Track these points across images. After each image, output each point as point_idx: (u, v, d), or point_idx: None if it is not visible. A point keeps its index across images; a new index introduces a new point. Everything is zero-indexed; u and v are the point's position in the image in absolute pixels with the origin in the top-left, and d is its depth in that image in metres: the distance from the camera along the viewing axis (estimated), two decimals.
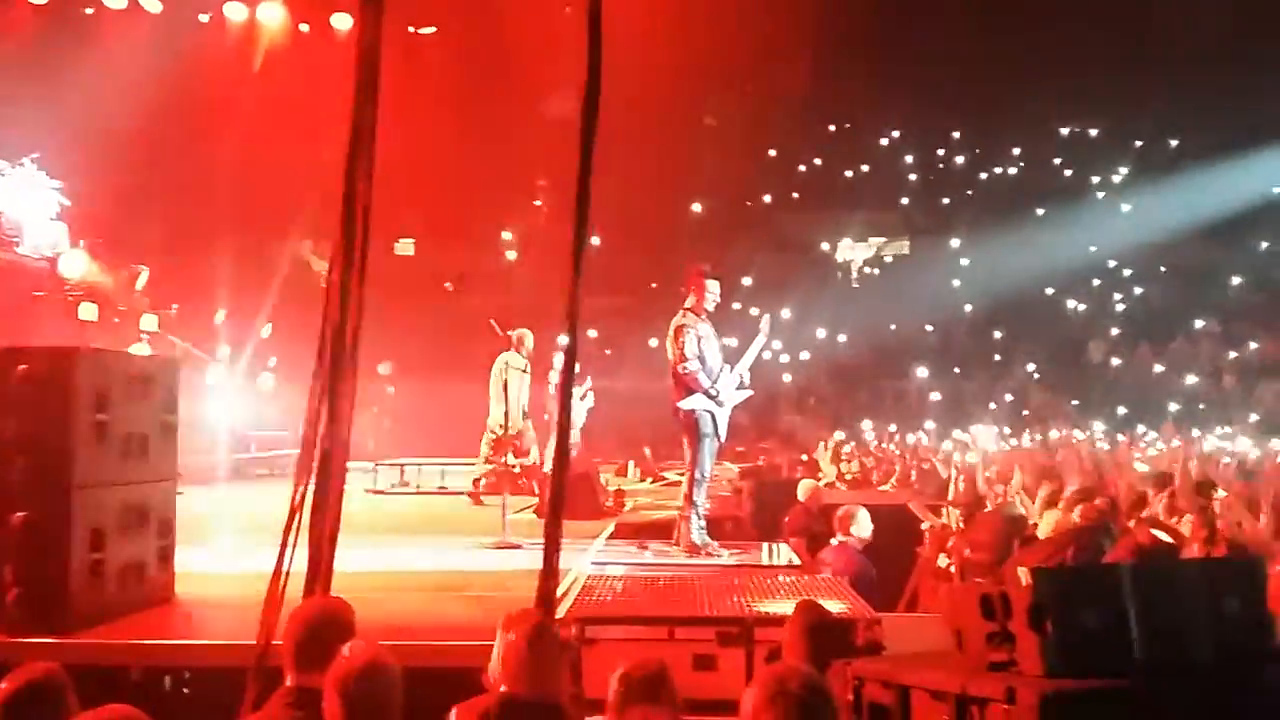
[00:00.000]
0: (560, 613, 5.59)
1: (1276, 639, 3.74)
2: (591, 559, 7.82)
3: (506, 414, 10.77)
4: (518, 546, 8.11)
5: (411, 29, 18.28)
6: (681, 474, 8.84)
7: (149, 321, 14.29)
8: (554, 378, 14.91)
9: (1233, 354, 24.26)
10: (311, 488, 4.87)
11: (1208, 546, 7.10)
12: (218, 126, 17.74)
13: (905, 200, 29.86)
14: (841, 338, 25.41)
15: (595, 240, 23.08)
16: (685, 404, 7.90)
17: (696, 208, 27.82)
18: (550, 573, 5.04)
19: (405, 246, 26.14)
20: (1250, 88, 24.99)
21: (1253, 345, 24.33)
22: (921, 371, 24.38)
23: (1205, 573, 3.80)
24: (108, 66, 15.32)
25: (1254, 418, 20.30)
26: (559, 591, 5.96)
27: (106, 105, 14.82)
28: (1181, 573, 3.86)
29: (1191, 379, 23.31)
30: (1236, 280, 26.52)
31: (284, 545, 4.73)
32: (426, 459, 14.31)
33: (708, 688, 5.07)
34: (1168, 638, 3.47)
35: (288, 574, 4.72)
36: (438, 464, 14.03)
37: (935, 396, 23.21)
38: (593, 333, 18.75)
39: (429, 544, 8.88)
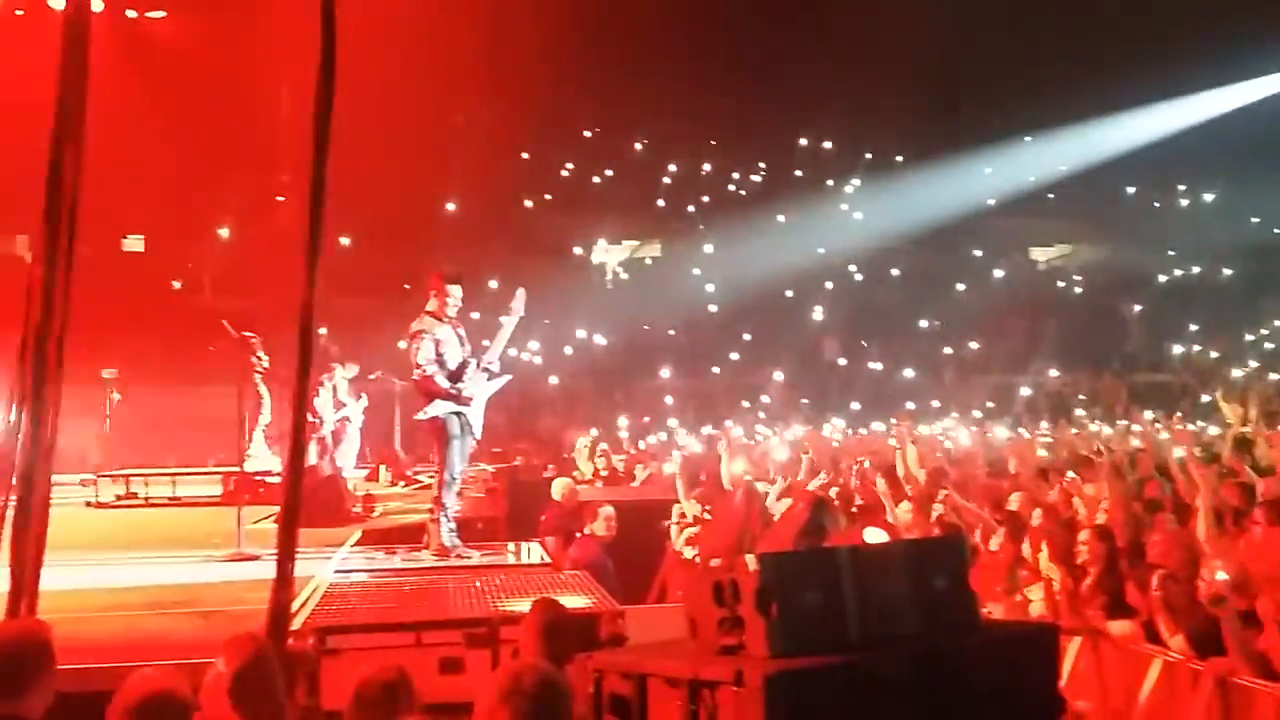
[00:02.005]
0: (297, 624, 5.39)
1: (977, 612, 4.06)
2: (335, 567, 7.57)
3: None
4: (255, 558, 7.74)
5: (133, 13, 17.11)
6: (434, 476, 8.70)
7: None
8: (334, 381, 14.50)
9: (951, 351, 26.33)
10: (13, 502, 4.47)
11: (927, 529, 7.66)
12: None
13: (657, 204, 30.59)
14: (598, 338, 25.74)
15: (345, 240, 22.46)
16: (424, 414, 7.79)
17: (450, 208, 27.50)
18: (285, 583, 4.85)
19: (134, 243, 24.51)
20: (967, 104, 27.33)
21: (971, 345, 26.49)
22: (673, 371, 25.05)
23: (914, 552, 4.05)
24: None
25: (960, 411, 22.06)
26: (298, 602, 5.76)
27: None
28: (893, 554, 4.12)
29: (915, 375, 25.07)
30: (953, 284, 28.81)
31: None
32: (156, 469, 13.41)
33: (456, 690, 5.04)
34: (881, 615, 3.68)
35: None
36: (169, 474, 13.18)
37: (687, 394, 23.91)
38: (323, 330, 18.08)
39: (157, 559, 8.36)
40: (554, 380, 24.17)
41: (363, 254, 22.79)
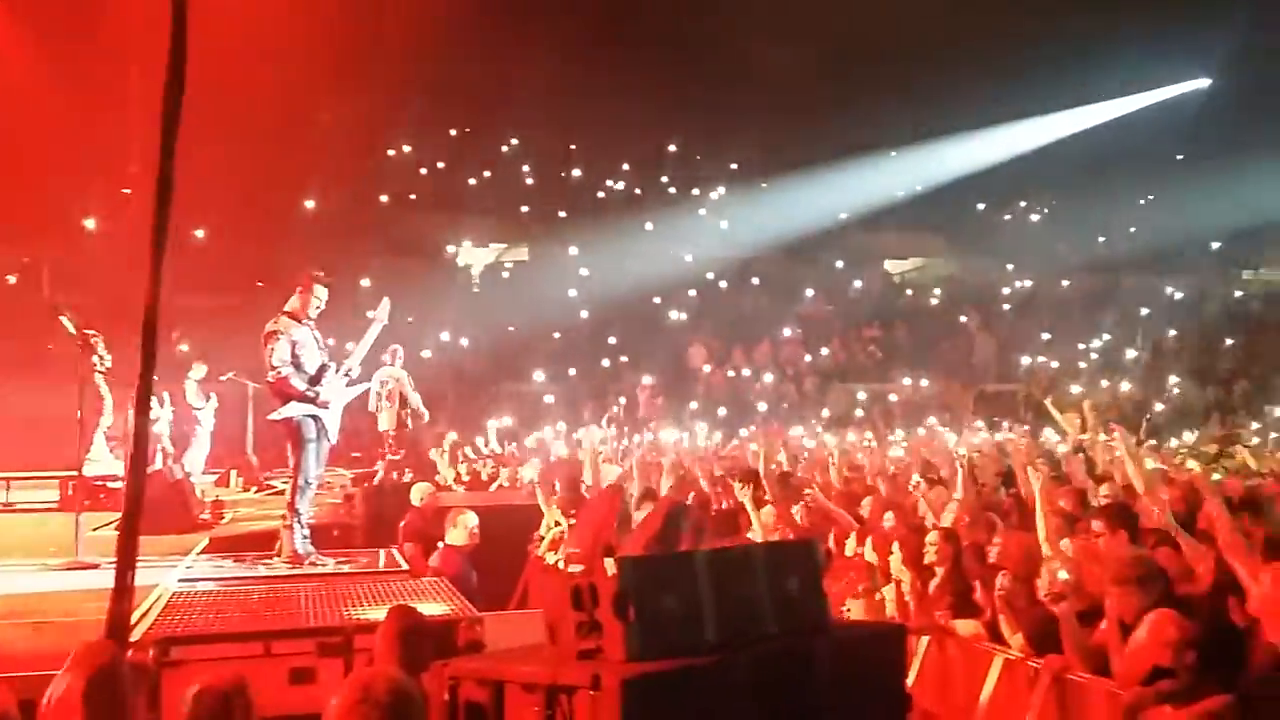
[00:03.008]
0: (137, 635, 5.18)
1: (828, 613, 4.17)
2: (179, 575, 7.28)
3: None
4: (94, 566, 7.38)
5: None
6: (288, 482, 8.46)
7: None
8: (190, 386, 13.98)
9: (810, 359, 26.93)
10: None
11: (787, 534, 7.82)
12: None
13: (524, 208, 30.43)
14: (463, 341, 25.39)
15: (199, 234, 21.61)
16: (278, 414, 7.58)
17: (310, 204, 26.71)
18: (124, 592, 4.64)
19: None
20: (827, 120, 28.14)
21: (823, 351, 27.15)
22: (540, 375, 24.93)
23: (769, 555, 4.13)
24: None
25: (825, 414, 22.66)
26: (138, 612, 5.53)
27: None
28: (749, 557, 4.18)
29: (775, 382, 25.55)
30: (812, 292, 29.52)
31: None
32: None
33: (307, 701, 4.93)
34: (737, 616, 3.74)
35: None
36: (2, 478, 12.43)
37: (553, 399, 23.78)
38: (184, 346, 17.36)
39: None
40: (416, 383, 23.67)
41: (216, 250, 21.97)
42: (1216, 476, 10.35)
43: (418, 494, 10.17)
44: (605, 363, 25.66)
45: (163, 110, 4.64)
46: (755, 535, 7.70)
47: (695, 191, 31.96)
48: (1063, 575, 5.51)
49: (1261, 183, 27.36)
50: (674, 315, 27.85)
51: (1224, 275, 31.67)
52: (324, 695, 4.79)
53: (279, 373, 7.50)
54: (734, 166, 32.03)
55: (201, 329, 17.25)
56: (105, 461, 11.94)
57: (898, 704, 3.96)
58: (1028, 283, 30.47)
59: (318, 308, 7.80)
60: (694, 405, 23.26)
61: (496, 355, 24.96)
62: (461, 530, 8.11)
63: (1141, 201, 32.37)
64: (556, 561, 8.38)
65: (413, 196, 29.37)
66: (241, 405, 14.93)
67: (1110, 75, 28.78)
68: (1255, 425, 19.84)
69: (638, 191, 32.00)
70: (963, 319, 29.01)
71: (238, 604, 6.34)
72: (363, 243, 25.38)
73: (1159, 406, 22.29)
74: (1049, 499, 6.84)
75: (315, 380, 7.61)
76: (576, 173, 31.97)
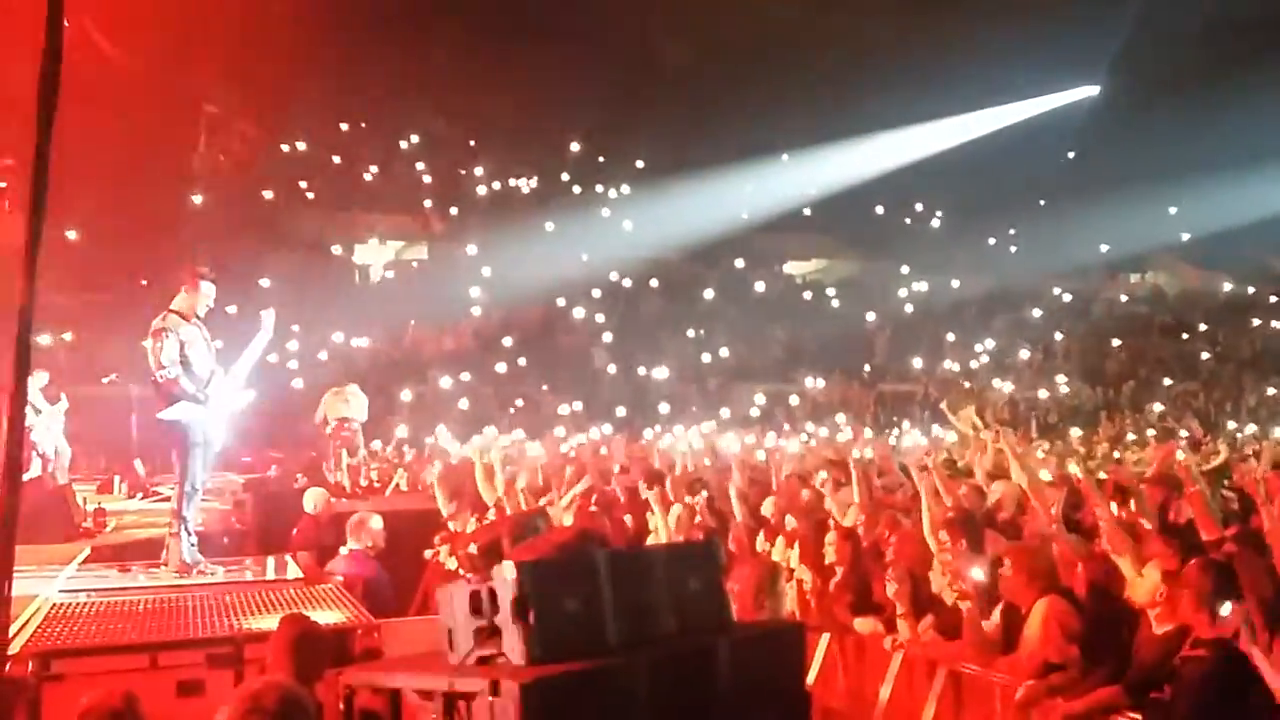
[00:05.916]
0: (15, 648, 4.95)
1: (729, 612, 4.17)
2: (60, 586, 6.96)
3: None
4: None
5: None
6: (174, 488, 8.16)
7: None
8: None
9: (711, 359, 27.07)
10: None
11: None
12: None
13: (424, 205, 30.00)
14: (359, 341, 24.87)
15: (72, 234, 20.69)
16: (166, 414, 7.30)
17: (197, 200, 25.84)
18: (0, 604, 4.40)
19: None
20: (730, 121, 28.38)
21: (724, 352, 27.32)
22: (439, 377, 24.55)
23: (670, 556, 4.13)
24: None
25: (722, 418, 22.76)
26: (16, 624, 5.30)
27: None
28: (650, 558, 4.18)
29: (680, 383, 25.61)
30: (716, 294, 29.69)
31: None
32: None
33: (195, 715, 4.77)
34: (638, 618, 3.72)
35: None
36: None
37: (453, 401, 23.44)
38: (67, 336, 16.66)
39: None
40: (310, 384, 23.12)
41: (97, 246, 21.10)
42: (1103, 475, 10.63)
43: (311, 500, 9.90)
44: (507, 363, 25.39)
45: (39, 94, 4.41)
46: (659, 537, 7.70)
47: (599, 190, 31.87)
48: (977, 575, 5.59)
49: (1147, 188, 28.40)
50: (577, 316, 27.72)
51: (1111, 278, 32.80)
52: (213, 708, 4.62)
53: (168, 373, 7.23)
54: (639, 166, 32.08)
55: (81, 329, 16.57)
56: None
57: (799, 702, 3.98)
58: (924, 285, 31.09)
59: (207, 305, 7.56)
60: (598, 406, 23.16)
61: (395, 356, 24.55)
62: (368, 533, 7.97)
63: (1033, 205, 33.29)
64: (457, 567, 8.26)
65: (310, 194, 28.68)
66: (125, 409, 14.36)
67: (1004, 81, 29.64)
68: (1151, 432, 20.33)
69: (540, 191, 31.79)
70: (862, 319, 29.46)
71: (122, 615, 6.09)
72: (254, 239, 24.70)
73: (1050, 407, 22.92)
74: (935, 500, 6.89)
75: (205, 383, 7.37)
76: (478, 171, 31.64)
